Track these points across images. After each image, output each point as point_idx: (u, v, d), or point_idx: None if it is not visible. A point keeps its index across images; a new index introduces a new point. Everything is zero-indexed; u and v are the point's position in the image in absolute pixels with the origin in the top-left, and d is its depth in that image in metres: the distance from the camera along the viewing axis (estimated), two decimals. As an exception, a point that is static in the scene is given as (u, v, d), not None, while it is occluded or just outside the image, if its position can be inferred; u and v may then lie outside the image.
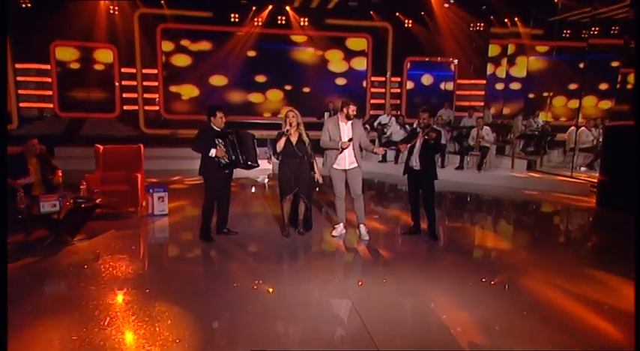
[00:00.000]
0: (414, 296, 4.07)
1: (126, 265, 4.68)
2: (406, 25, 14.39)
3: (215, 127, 5.33)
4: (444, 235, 6.06)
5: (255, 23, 13.87)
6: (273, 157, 5.64)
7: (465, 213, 7.78)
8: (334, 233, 5.78)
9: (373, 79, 15.07)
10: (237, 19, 13.84)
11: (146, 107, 14.21)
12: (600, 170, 7.88)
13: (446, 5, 13.22)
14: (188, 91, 14.43)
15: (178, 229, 6.12)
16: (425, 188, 5.57)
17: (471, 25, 14.42)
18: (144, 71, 14.03)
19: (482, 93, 15.31)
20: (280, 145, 5.39)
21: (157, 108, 14.35)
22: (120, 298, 3.91)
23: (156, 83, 14.24)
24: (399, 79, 15.19)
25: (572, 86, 14.31)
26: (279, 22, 13.93)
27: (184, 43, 14.13)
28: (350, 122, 5.52)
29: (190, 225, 6.13)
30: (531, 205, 8.32)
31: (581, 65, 11.24)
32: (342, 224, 5.81)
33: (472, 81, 15.16)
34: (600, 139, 10.14)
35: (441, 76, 15.20)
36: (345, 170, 5.56)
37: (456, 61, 15.01)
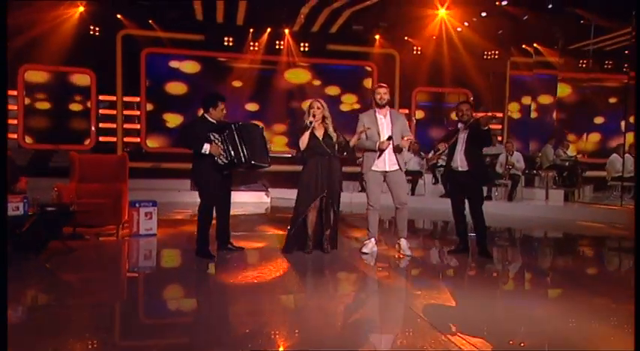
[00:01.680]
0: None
1: (94, 307, 3.43)
2: (415, 52, 14.42)
3: (211, 119, 4.77)
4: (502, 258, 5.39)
5: (252, 48, 13.75)
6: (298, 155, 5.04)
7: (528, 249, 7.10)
8: (365, 250, 5.13)
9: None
10: (231, 44, 13.72)
11: (126, 139, 13.67)
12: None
13: (459, 29, 13.30)
14: (173, 121, 13.97)
15: (170, 253, 5.36)
16: (473, 193, 5.01)
17: (485, 52, 14.51)
18: (125, 99, 13.64)
19: (500, 127, 15.18)
20: (304, 140, 4.85)
21: (138, 139, 13.82)
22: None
23: (138, 112, 13.81)
24: (406, 111, 15.00)
25: (598, 120, 14.28)
26: (277, 46, 13.84)
27: (172, 68, 13.86)
28: (389, 113, 5.03)
29: (184, 247, 5.40)
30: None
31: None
32: (373, 240, 5.17)
33: (489, 114, 15.02)
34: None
35: (453, 108, 15.07)
36: (385, 172, 4.99)
37: (469, 93, 14.96)
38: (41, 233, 4.72)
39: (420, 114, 15.12)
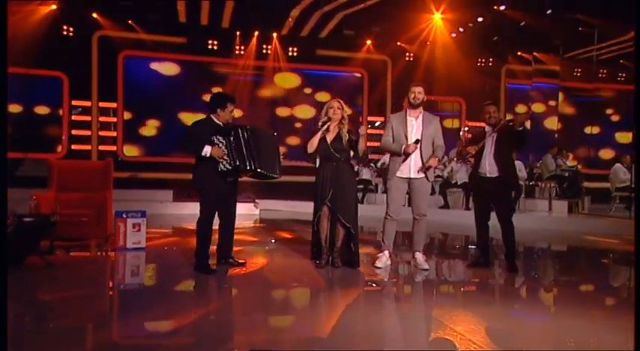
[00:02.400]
0: None
1: (76, 332, 3.09)
2: (408, 59, 14.37)
3: (217, 121, 4.48)
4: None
5: (238, 52, 13.49)
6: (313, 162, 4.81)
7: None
8: (379, 264, 4.87)
9: (370, 119, 14.73)
10: (215, 47, 13.43)
11: (101, 147, 13.18)
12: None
13: (453, 35, 13.30)
14: (151, 128, 13.56)
15: (162, 269, 4.98)
16: (501, 201, 4.81)
17: (480, 60, 14.56)
18: (100, 105, 13.18)
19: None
20: (314, 143, 4.61)
21: (114, 148, 13.35)
22: None
23: (114, 119, 13.36)
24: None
25: (595, 130, 14.41)
26: (264, 51, 13.61)
27: (152, 72, 13.49)
28: (421, 115, 4.81)
29: (178, 260, 5.05)
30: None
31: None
32: (387, 252, 4.92)
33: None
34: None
35: (446, 115, 15.04)
36: (410, 179, 4.76)
37: (462, 101, 14.97)
38: (18, 247, 4.32)
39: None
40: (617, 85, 14.34)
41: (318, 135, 4.62)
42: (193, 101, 13.54)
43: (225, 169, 4.39)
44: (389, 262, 4.89)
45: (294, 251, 5.60)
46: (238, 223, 4.87)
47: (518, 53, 14.15)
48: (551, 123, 14.00)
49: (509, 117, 4.86)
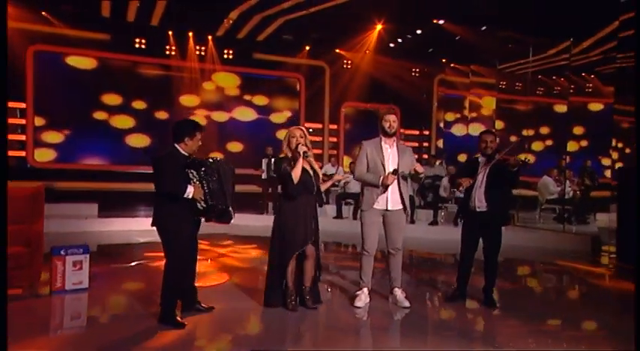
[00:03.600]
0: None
1: None
2: (345, 65, 14.28)
3: (183, 153, 4.00)
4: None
5: (168, 52, 12.64)
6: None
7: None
8: (358, 303, 4.60)
9: (307, 125, 14.46)
10: (143, 46, 12.47)
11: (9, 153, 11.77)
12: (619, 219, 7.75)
13: (392, 45, 13.38)
14: (68, 132, 12.33)
15: (115, 322, 4.31)
16: (491, 236, 4.70)
17: (414, 69, 14.83)
18: (9, 105, 11.76)
19: (427, 144, 15.60)
20: (297, 173, 4.22)
21: (24, 153, 12.00)
22: None
23: (23, 121, 11.99)
24: (335, 127, 14.80)
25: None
26: (198, 52, 12.86)
27: (67, 69, 12.24)
28: (395, 145, 4.59)
29: (132, 309, 4.45)
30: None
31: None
32: (366, 290, 4.67)
33: (416, 131, 15.39)
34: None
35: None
36: (386, 211, 4.53)
37: (395, 108, 15.13)
38: None
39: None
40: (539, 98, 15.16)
41: (301, 162, 4.25)
42: (117, 103, 12.55)
43: (201, 208, 3.92)
44: (368, 300, 4.64)
45: (242, 291, 5.14)
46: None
47: (452, 65, 14.57)
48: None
49: (508, 153, 4.68)
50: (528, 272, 7.49)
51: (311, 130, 14.37)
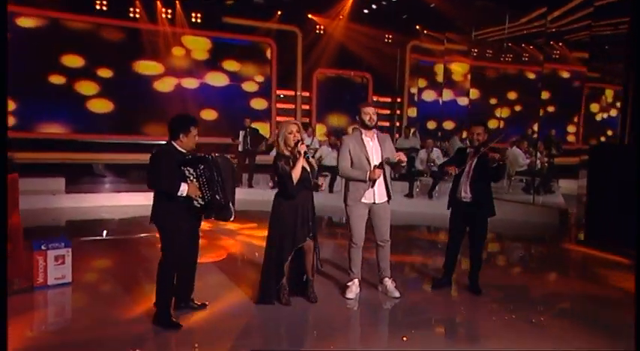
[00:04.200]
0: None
1: None
2: (317, 31, 13.97)
3: (180, 149, 3.88)
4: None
5: (132, 15, 12.01)
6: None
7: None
8: (350, 295, 4.67)
9: (279, 92, 14.23)
10: (104, 7, 11.78)
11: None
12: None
13: (366, 11, 13.12)
14: (26, 95, 11.63)
15: (104, 323, 4.17)
16: (476, 227, 4.82)
17: (387, 36, 14.65)
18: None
19: (399, 112, 15.64)
20: (297, 174, 4.16)
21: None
22: None
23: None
24: (307, 94, 14.61)
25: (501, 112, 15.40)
26: (164, 14, 12.28)
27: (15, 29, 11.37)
28: (376, 136, 4.57)
29: (121, 306, 4.38)
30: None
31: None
32: (356, 281, 4.74)
33: (389, 99, 15.36)
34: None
35: (355, 92, 15.06)
36: (373, 204, 4.56)
37: (369, 76, 15.05)
38: None
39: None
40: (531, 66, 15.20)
41: (300, 163, 4.18)
42: (79, 66, 11.91)
43: (198, 206, 3.84)
44: (358, 290, 4.73)
45: (228, 278, 5.15)
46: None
47: (426, 32, 14.46)
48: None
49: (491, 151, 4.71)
50: (498, 249, 7.72)
51: (282, 95, 14.20)
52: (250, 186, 10.89)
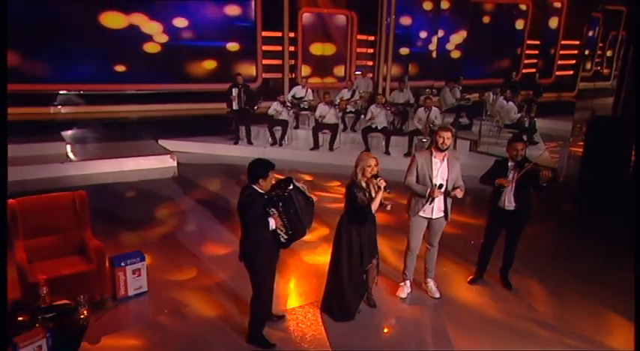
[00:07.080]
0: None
1: None
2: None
3: (260, 191, 4.20)
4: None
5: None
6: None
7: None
8: (402, 294, 5.43)
9: (264, 34, 13.93)
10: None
11: None
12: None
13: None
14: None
15: (197, 339, 4.65)
16: (516, 230, 5.52)
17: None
18: None
19: (372, 51, 15.63)
20: (376, 205, 4.66)
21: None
22: None
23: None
24: (293, 35, 14.36)
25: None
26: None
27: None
28: (446, 158, 5.04)
29: (205, 319, 4.91)
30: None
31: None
32: (408, 282, 5.48)
33: (372, 37, 15.22)
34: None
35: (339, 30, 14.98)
36: (430, 219, 5.17)
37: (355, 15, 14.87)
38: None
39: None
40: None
41: (380, 197, 4.63)
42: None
43: (284, 241, 4.31)
44: (409, 290, 5.46)
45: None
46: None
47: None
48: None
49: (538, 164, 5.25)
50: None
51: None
52: (250, 142, 11.16)
